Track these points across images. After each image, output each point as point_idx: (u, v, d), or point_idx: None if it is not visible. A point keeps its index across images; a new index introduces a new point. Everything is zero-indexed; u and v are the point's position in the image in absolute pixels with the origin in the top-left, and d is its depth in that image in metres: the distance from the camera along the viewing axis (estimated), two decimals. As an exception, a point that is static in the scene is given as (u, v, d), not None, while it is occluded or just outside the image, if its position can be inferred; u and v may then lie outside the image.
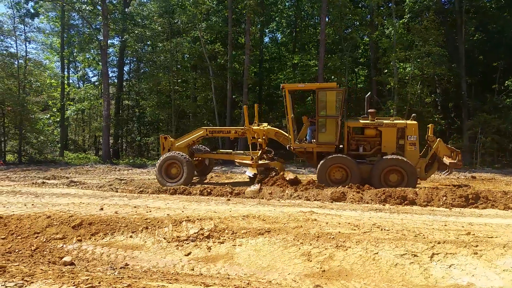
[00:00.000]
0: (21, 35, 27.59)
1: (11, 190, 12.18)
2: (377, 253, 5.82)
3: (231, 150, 16.75)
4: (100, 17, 25.48)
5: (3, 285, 3.85)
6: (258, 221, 7.34)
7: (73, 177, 16.67)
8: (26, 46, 28.60)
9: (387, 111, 21.62)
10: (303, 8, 28.51)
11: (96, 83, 34.30)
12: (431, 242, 5.94)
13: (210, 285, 4.50)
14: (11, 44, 27.14)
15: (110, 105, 25.30)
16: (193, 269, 5.89)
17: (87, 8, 24.94)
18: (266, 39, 31.82)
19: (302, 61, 26.14)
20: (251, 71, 26.15)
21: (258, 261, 5.95)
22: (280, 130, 14.12)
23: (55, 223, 7.43)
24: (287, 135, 13.48)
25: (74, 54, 31.35)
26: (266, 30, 30.18)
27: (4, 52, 26.13)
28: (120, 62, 29.39)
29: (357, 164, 12.12)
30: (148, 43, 27.19)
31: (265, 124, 14.41)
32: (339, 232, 6.62)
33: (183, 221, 7.43)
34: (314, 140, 12.88)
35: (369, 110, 12.86)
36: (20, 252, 6.60)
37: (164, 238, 6.89)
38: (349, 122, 12.95)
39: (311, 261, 5.83)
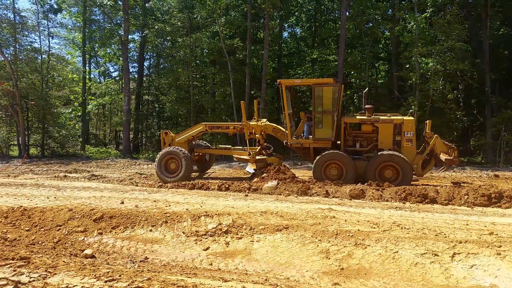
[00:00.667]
0: (44, 30, 28.19)
1: (34, 183, 12.51)
2: (397, 251, 5.75)
3: (230, 146, 16.87)
4: (121, 12, 25.79)
5: (28, 275, 3.95)
6: (276, 217, 7.34)
7: (94, 171, 17.00)
8: (49, 41, 29.37)
9: (409, 107, 21.25)
10: (323, 2, 28.22)
11: (117, 78, 34.81)
12: (452, 242, 5.83)
13: (228, 280, 4.53)
14: (35, 39, 27.90)
15: (131, 100, 25.64)
16: (211, 264, 5.94)
17: (108, 3, 25.27)
18: (285, 34, 31.68)
19: (321, 56, 25.91)
20: (269, 66, 26.09)
21: (276, 257, 5.96)
22: (278, 126, 14.12)
23: (77, 216, 7.59)
24: (284, 130, 13.37)
25: (96, 49, 31.85)
26: (285, 25, 30.01)
27: (29, 47, 26.71)
28: (140, 57, 29.75)
29: (352, 160, 12.09)
30: (168, 38, 27.39)
31: (264, 120, 14.49)
32: (358, 230, 6.56)
33: (201, 216, 7.49)
34: (311, 136, 12.83)
35: (366, 106, 12.86)
36: (43, 244, 6.77)
37: (183, 233, 6.96)
38: (346, 118, 12.83)
39: (329, 258, 5.80)
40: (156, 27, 24.79)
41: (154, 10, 26.75)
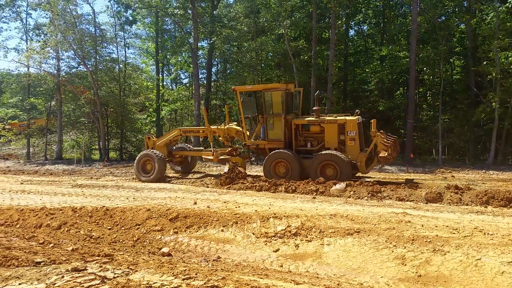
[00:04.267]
0: (121, 41, 30.23)
1: (115, 185, 13.45)
2: (479, 259, 5.36)
3: (202, 148, 18.38)
4: (191, 20, 26.87)
5: (112, 271, 4.25)
6: (346, 220, 7.18)
7: (168, 173, 17.86)
8: (125, 52, 31.31)
9: (489, 104, 19.66)
10: (391, -3, 27.13)
11: (187, 84, 36.28)
12: (546, 251, 5.30)
13: (300, 283, 4.52)
14: (112, 50, 29.81)
15: (200, 105, 26.57)
16: (281, 266, 5.97)
17: (179, 12, 26.44)
18: (351, 32, 30.88)
19: (391, 53, 24.86)
20: (335, 66, 25.57)
21: (348, 262, 5.83)
22: (241, 129, 14.82)
23: (154, 216, 8.03)
24: (247, 133, 14.36)
25: (168, 57, 33.44)
26: (352, 23, 29.26)
27: (107, 57, 28.81)
28: (209, 64, 30.70)
29: (297, 159, 12.91)
30: (234, 43, 27.98)
31: (233, 123, 15.53)
32: (437, 235, 6.21)
33: (270, 217, 7.56)
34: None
35: (314, 108, 13.64)
36: (123, 242, 7.26)
37: (253, 234, 7.07)
38: (296, 119, 13.57)
39: (405, 265, 5.56)
40: (224, 33, 25.44)
41: (221, 16, 27.49)
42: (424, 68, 23.92)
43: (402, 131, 25.06)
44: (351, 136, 12.69)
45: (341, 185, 10.98)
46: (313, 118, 13.31)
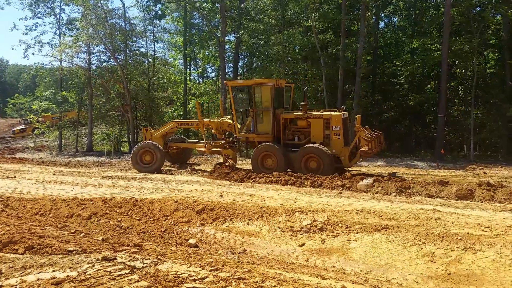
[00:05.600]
0: (150, 35, 30.62)
1: (143, 176, 13.71)
2: (514, 259, 5.16)
3: (196, 140, 19.19)
4: (218, 14, 26.95)
5: (141, 261, 4.33)
6: (374, 216, 7.06)
7: (195, 165, 18.07)
8: (154, 46, 31.69)
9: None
10: (423, -12, 26.29)
11: (214, 78, 36.49)
12: None
13: (326, 278, 4.48)
14: (142, 44, 30.23)
15: (226, 99, 26.71)
16: (307, 260, 5.94)
17: (207, 6, 26.57)
18: (381, 24, 30.17)
19: (422, 45, 24.14)
20: (364, 59, 25.08)
21: (375, 258, 5.74)
22: (232, 123, 15.18)
23: (181, 208, 8.15)
24: (239, 127, 14.86)
25: (195, 51, 33.69)
26: (382, 15, 28.58)
27: (137, 52, 29.28)
28: (235, 57, 30.75)
29: (283, 151, 13.34)
30: (261, 37, 27.87)
31: (226, 117, 16.03)
32: (467, 233, 6.02)
33: (296, 211, 7.53)
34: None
35: (301, 103, 13.88)
36: (152, 232, 7.41)
37: (278, 227, 7.07)
38: (284, 114, 14.02)
39: (435, 262, 5.43)
40: (251, 26, 25.37)
41: (249, 10, 27.41)
42: (457, 61, 23.10)
43: (433, 126, 24.40)
44: (336, 131, 13.09)
45: (368, 181, 10.81)
46: (301, 113, 13.72)
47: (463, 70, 23.95)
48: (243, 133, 14.69)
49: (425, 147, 24.71)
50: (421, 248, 5.73)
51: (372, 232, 6.36)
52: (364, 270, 5.50)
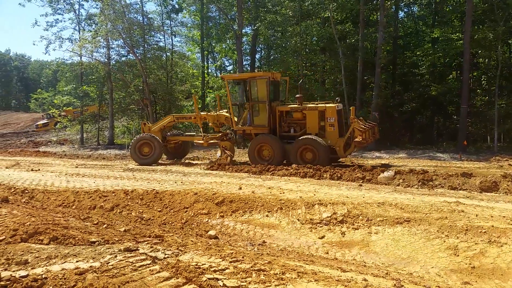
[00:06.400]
0: (168, 30, 30.79)
1: (163, 169, 13.87)
2: (543, 253, 5.01)
3: (194, 133, 19.31)
4: (235, 7, 26.88)
5: (163, 252, 4.38)
6: (395, 209, 6.96)
7: (213, 158, 18.15)
8: (172, 40, 31.86)
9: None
10: (445, -25, 25.54)
11: (231, 71, 36.47)
12: None
13: (347, 271, 4.44)
14: (160, 38, 30.53)
15: (244, 92, 26.72)
16: (327, 253, 5.91)
17: (223, -2, 26.54)
18: (401, 14, 29.54)
19: (443, 35, 23.52)
20: (383, 49, 24.60)
21: (397, 251, 5.66)
22: (229, 116, 15.38)
23: (201, 200, 8.21)
24: (235, 119, 15.10)
25: (212, 45, 33.72)
26: (402, 4, 27.98)
27: (155, 46, 29.49)
28: (252, 50, 30.65)
29: (279, 142, 13.66)
30: (278, 28, 27.68)
31: (223, 111, 16.30)
32: (492, 226, 5.87)
33: (315, 204, 7.49)
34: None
35: (296, 96, 14.27)
36: (172, 224, 7.48)
37: (298, 220, 7.04)
38: (280, 107, 14.27)
39: (458, 255, 5.32)
40: (268, 18, 25.22)
41: (266, 2, 27.22)
42: (479, 51, 22.46)
43: (455, 117, 23.87)
44: (331, 123, 13.31)
45: (389, 173, 10.66)
46: (296, 105, 14.04)
47: (486, 60, 23.30)
48: (239, 126, 14.98)
49: (447, 139, 24.23)
50: (444, 241, 5.62)
51: (393, 225, 6.27)
52: (386, 263, 5.43)
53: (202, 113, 16.72)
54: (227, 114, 15.79)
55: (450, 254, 5.37)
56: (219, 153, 15.52)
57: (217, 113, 16.29)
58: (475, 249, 5.37)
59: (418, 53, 25.15)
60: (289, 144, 13.54)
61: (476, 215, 6.47)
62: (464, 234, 5.69)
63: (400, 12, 29.00)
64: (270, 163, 13.18)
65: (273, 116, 14.15)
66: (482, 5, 21.83)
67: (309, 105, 13.95)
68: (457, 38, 23.06)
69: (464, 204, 7.29)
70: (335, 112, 13.32)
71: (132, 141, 16.54)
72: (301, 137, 13.28)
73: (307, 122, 13.75)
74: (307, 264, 4.68)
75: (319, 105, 13.87)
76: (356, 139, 12.69)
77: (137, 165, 15.51)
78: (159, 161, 16.24)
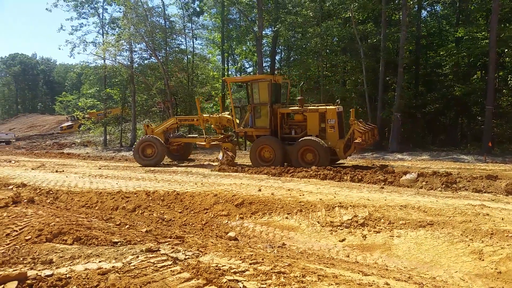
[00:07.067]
0: (189, 32, 31.13)
1: (184, 170, 14.01)
2: None
3: (197, 135, 19.85)
4: (255, 9, 26.97)
5: (183, 253, 4.42)
6: (418, 212, 6.83)
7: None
8: (193, 43, 32.18)
9: None
10: (469, -27, 24.94)
11: (251, 73, 36.57)
12: None
13: (368, 275, 4.38)
14: (181, 41, 30.81)
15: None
16: (348, 256, 5.84)
17: (244, 0, 26.62)
18: (424, 13, 29.01)
19: (468, 34, 22.96)
20: (406, 49, 24.20)
21: (420, 255, 5.55)
22: (231, 118, 15.63)
23: (221, 201, 8.25)
24: (237, 121, 15.39)
25: (233, 47, 33.89)
26: (425, 3, 27.48)
27: (177, 49, 29.87)
28: (272, 52, 30.67)
29: (280, 144, 13.84)
30: (299, 29, 27.59)
31: (226, 113, 16.57)
32: (520, 230, 5.69)
33: (335, 206, 7.41)
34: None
35: (298, 98, 14.44)
36: (193, 225, 7.54)
37: (318, 222, 6.99)
38: (281, 109, 14.47)
39: (483, 260, 5.17)
40: (288, 20, 25.16)
41: (286, 3, 27.19)
42: (506, 50, 21.83)
43: (480, 118, 23.25)
44: (331, 124, 13.50)
45: (412, 175, 10.46)
46: (297, 107, 14.23)
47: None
48: (241, 128, 15.19)
49: (472, 140, 23.62)
50: (468, 245, 5.48)
51: (416, 228, 6.15)
52: (408, 267, 5.33)
53: (204, 115, 17.00)
54: (229, 116, 16.06)
55: (474, 258, 5.23)
56: (220, 154, 15.67)
57: (220, 115, 16.55)
58: (501, 254, 5.22)
59: (441, 52, 24.67)
60: (290, 145, 13.72)
61: (502, 219, 6.29)
62: (490, 238, 5.54)
63: (423, 11, 28.52)
64: (271, 165, 13.43)
65: (274, 118, 14.37)
66: (509, 2, 21.23)
67: (310, 107, 14.19)
68: (482, 37, 22.46)
69: (489, 207, 7.09)
70: (336, 114, 13.52)
71: (136, 142, 16.92)
72: (302, 139, 13.44)
73: (307, 123, 13.95)
74: (327, 267, 4.64)
75: (319, 107, 14.07)
76: (356, 141, 12.87)
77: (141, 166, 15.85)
78: (163, 162, 16.63)
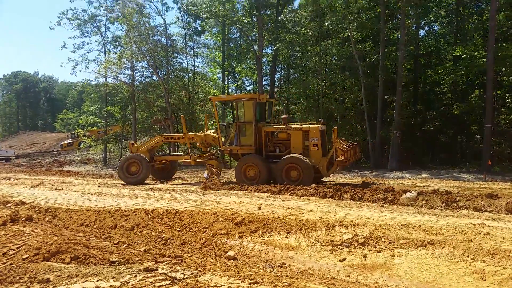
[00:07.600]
0: (190, 51, 31.55)
1: (183, 188, 13.97)
2: None
3: (182, 153, 19.95)
4: (256, 28, 27.34)
5: (182, 273, 4.37)
6: (418, 231, 6.78)
7: (232, 178, 18.19)
8: (194, 61, 32.56)
9: None
10: (466, -6, 25.39)
11: (251, 91, 36.87)
12: None
13: (369, 295, 4.33)
14: (182, 60, 31.17)
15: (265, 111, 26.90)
16: (349, 276, 5.78)
17: (245, 20, 27.02)
18: (422, 32, 29.42)
19: (466, 52, 23.21)
20: (404, 67, 24.45)
21: (421, 274, 5.49)
22: (217, 136, 15.76)
23: (220, 220, 8.20)
24: (223, 140, 15.48)
25: (233, 65, 34.24)
26: (423, 23, 27.88)
27: (178, 67, 30.17)
28: (272, 70, 30.97)
29: (265, 162, 14.10)
30: (298, 48, 27.94)
31: (211, 131, 16.77)
32: (521, 250, 5.64)
33: (336, 225, 7.37)
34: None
35: (281, 116, 14.98)
36: (191, 244, 7.47)
37: (318, 241, 6.94)
38: (266, 127, 14.69)
39: (485, 280, 5.12)
40: (288, 39, 25.49)
41: (286, 22, 27.57)
42: (503, 68, 22.04)
43: (479, 136, 23.30)
44: (314, 142, 13.79)
45: (412, 194, 10.44)
46: (281, 126, 14.49)
47: (511, 77, 22.79)
48: (227, 146, 15.30)
49: (471, 159, 23.59)
50: (470, 265, 5.43)
51: (417, 247, 6.11)
52: (409, 287, 5.28)
53: (190, 133, 17.11)
54: (214, 135, 16.17)
55: (476, 278, 5.18)
56: (206, 172, 15.65)
57: (205, 133, 16.67)
58: (503, 274, 5.16)
59: (439, 71, 24.88)
60: (274, 163, 13.94)
61: (503, 238, 6.25)
62: (491, 258, 5.49)
63: (421, 30, 28.95)
64: (256, 183, 13.61)
65: (259, 136, 14.57)
66: (506, 22, 21.53)
67: (293, 126, 14.43)
68: (479, 55, 22.70)
69: (489, 226, 7.06)
70: (319, 132, 13.83)
71: (120, 160, 16.91)
72: (287, 156, 13.66)
73: (291, 142, 14.16)
74: (328, 287, 4.60)
75: (303, 125, 14.36)
76: (339, 158, 13.08)
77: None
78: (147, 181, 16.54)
